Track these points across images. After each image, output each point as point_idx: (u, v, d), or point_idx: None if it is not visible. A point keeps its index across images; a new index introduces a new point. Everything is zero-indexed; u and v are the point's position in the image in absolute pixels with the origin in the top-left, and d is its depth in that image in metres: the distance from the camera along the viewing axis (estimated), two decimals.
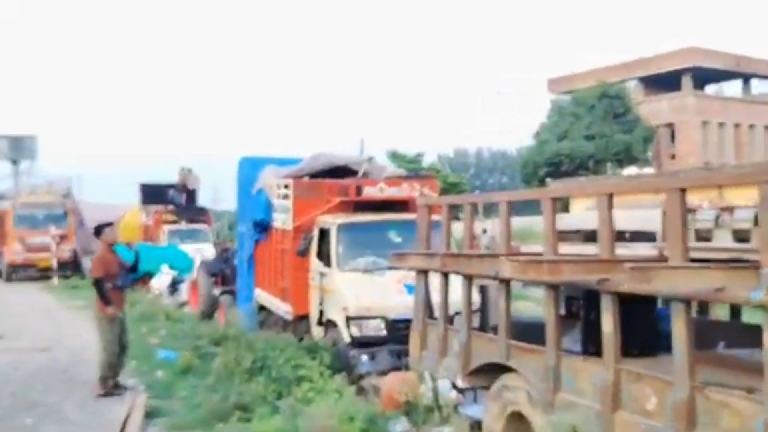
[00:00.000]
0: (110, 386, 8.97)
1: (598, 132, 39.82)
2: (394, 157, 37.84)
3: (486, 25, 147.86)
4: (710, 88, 50.79)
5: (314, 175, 11.42)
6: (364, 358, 8.98)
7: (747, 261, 4.30)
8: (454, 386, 7.12)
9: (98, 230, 9.73)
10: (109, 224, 10.09)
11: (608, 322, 4.98)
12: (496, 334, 6.27)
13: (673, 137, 46.66)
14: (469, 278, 6.42)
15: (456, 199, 7.60)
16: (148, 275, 20.73)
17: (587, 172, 36.15)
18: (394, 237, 10.16)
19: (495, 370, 6.18)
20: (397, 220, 10.44)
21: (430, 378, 7.66)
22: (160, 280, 20.35)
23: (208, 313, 15.40)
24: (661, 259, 5.09)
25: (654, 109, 45.46)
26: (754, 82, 52.14)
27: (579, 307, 6.31)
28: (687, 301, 4.40)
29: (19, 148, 38.74)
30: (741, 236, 9.76)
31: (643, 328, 5.94)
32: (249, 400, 7.56)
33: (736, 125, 48.32)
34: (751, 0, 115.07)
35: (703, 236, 7.84)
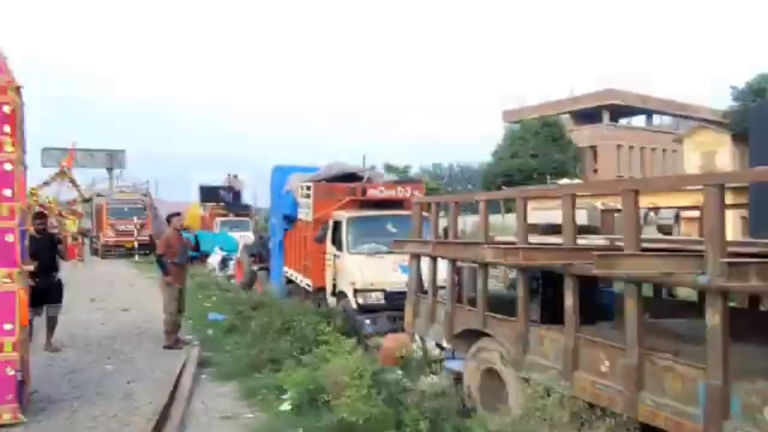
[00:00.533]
0: (172, 340, 8.58)
1: (540, 152, 39.85)
2: (389, 168, 37.65)
3: (450, 69, 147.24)
4: (622, 120, 50.64)
5: (329, 180, 11.13)
6: (368, 321, 8.70)
7: (690, 251, 3.86)
8: (439, 346, 6.81)
9: (169, 218, 9.55)
10: (177, 214, 9.70)
11: (570, 298, 4.54)
12: (471, 306, 5.86)
13: (595, 157, 46.60)
14: (453, 261, 6.01)
15: (443, 198, 7.20)
16: (205, 255, 20.62)
17: (533, 182, 36.15)
18: (391, 228, 9.82)
19: (473, 335, 5.78)
20: (393, 215, 10.18)
21: (420, 339, 7.35)
22: (214, 259, 20.18)
23: (249, 285, 15.02)
24: (613, 248, 4.65)
25: (581, 135, 45.43)
26: (655, 116, 52.27)
27: (538, 285, 5.87)
28: (639, 283, 3.96)
29: (113, 160, 38.56)
30: (665, 231, 9.47)
31: (588, 302, 5.42)
32: (278, 355, 7.11)
33: (641, 148, 48.31)
34: (654, 50, 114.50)
35: (666, 232, 7.56)
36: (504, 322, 5.33)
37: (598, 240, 5.00)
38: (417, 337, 7.43)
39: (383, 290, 8.89)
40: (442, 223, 7.50)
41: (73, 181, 14.73)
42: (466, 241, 5.78)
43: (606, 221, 8.08)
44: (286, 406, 5.54)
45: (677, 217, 9.29)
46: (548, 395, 3.70)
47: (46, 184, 13.42)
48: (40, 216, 8.25)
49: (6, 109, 5.08)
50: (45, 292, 7.71)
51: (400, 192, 10.77)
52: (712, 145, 32.42)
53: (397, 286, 8.48)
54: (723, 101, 35.83)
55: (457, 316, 5.99)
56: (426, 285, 6.89)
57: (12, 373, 5.17)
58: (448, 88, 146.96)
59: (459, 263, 6.11)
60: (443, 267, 6.25)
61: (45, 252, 7.67)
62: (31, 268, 5.79)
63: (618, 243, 4.73)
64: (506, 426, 3.79)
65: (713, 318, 3.44)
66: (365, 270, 9.07)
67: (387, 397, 4.88)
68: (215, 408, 5.81)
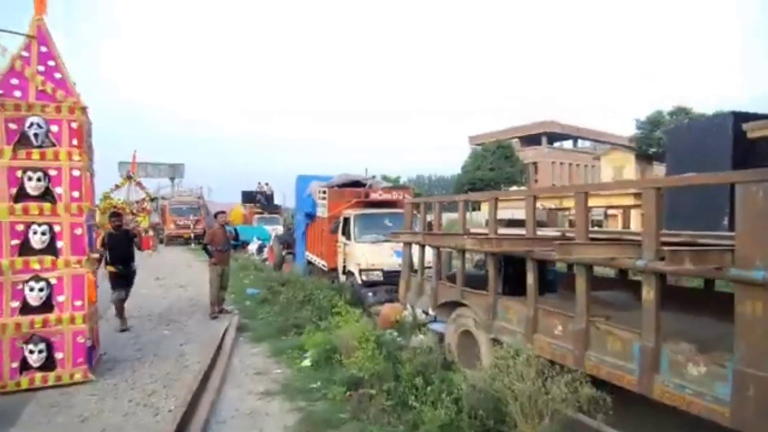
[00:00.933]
0: (216, 311, 8.22)
1: (496, 167, 39.65)
2: (385, 177, 37.32)
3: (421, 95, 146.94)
4: (556, 144, 50.56)
5: (340, 186, 10.91)
6: (370, 293, 8.47)
7: (628, 240, 3.63)
8: (425, 313, 6.53)
9: (216, 215, 9.29)
10: (223, 212, 9.37)
11: (531, 277, 4.30)
12: (448, 282, 5.64)
13: (536, 171, 46.51)
14: (437, 248, 5.76)
15: (429, 199, 6.93)
16: (246, 243, 20.40)
17: (490, 189, 36.04)
18: (387, 223, 9.56)
19: (453, 305, 5.53)
20: (389, 212, 9.94)
21: (411, 308, 7.09)
22: (252, 246, 19.71)
23: (279, 266, 14.61)
24: (565, 239, 4.41)
25: (526, 155, 45.29)
26: (579, 141, 52.19)
27: (501, 265, 5.66)
28: (589, 266, 3.72)
29: (175, 171, 37.90)
30: (596, 225, 9.33)
31: (539, 278, 5.22)
32: (301, 321, 6.79)
33: (570, 164, 48.30)
34: (580, 89, 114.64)
35: (598, 225, 7.39)
36: (477, 295, 5.10)
37: (550, 231, 4.75)
38: (408, 306, 7.20)
39: (382, 270, 8.64)
40: (427, 218, 7.49)
41: (139, 183, 14.16)
42: (448, 232, 5.52)
43: (551, 217, 7.89)
44: (306, 363, 5.27)
45: (605, 214, 9.16)
46: (517, 355, 3.42)
47: (117, 187, 12.90)
48: (116, 215, 7.74)
49: (74, 125, 4.83)
50: (126, 277, 7.38)
51: (395, 195, 10.58)
52: (621, 162, 32.46)
53: (393, 267, 8.35)
54: (629, 129, 35.90)
55: (440, 290, 5.75)
56: (416, 266, 6.74)
57: (82, 341, 4.91)
58: (429, 122, 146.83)
59: (441, 249, 5.85)
60: (429, 252, 6.03)
61: (123, 245, 7.30)
62: (96, 256, 5.45)
63: (568, 234, 4.53)
64: (484, 380, 3.51)
65: (648, 294, 3.21)
66: (368, 254, 8.83)
67: (387, 354, 4.63)
68: (250, 365, 5.51)
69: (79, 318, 4.84)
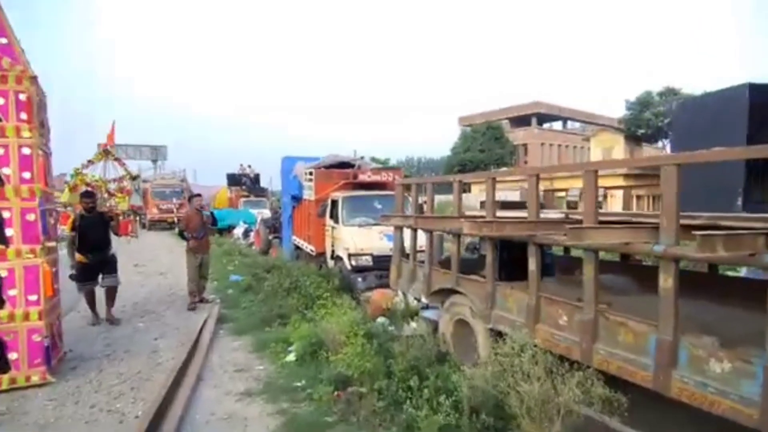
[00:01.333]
0: (195, 300, 7.72)
1: (486, 148, 39.24)
2: (374, 159, 36.73)
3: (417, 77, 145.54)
4: (546, 125, 50.24)
5: (327, 167, 10.45)
6: (359, 279, 8.13)
7: (644, 223, 3.30)
8: (416, 300, 6.20)
9: (189, 199, 8.76)
10: (197, 195, 8.78)
11: (533, 263, 3.97)
12: (445, 269, 5.25)
13: (525, 152, 46.23)
14: (430, 232, 5.40)
15: (422, 179, 6.56)
16: (232, 227, 19.98)
17: (480, 170, 35.76)
18: (377, 205, 9.24)
19: (447, 292, 5.20)
20: (378, 195, 9.59)
21: (402, 294, 6.78)
22: (238, 230, 19.26)
23: (265, 250, 14.22)
24: (570, 221, 4.08)
25: (516, 136, 44.90)
26: (569, 122, 51.93)
27: (496, 250, 5.36)
28: (596, 251, 3.39)
29: (157, 153, 36.89)
30: (571, 206, 8.97)
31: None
32: (286, 311, 6.40)
33: (559, 145, 48.11)
34: (570, 72, 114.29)
35: (573, 206, 7.02)
36: (474, 283, 4.77)
37: (552, 213, 4.40)
38: (399, 292, 6.90)
39: (371, 254, 8.30)
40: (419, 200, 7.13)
41: (118, 160, 12.50)
42: (443, 215, 5.16)
43: (547, 199, 7.55)
44: (291, 358, 4.89)
45: (605, 195, 8.87)
46: (522, 351, 3.10)
47: (90, 162, 11.29)
48: (89, 195, 6.84)
49: (22, 97, 4.26)
50: (99, 266, 6.59)
51: (384, 177, 10.15)
52: (610, 143, 32.33)
53: (382, 251, 8.08)
54: (618, 110, 35.68)
55: (434, 277, 5.41)
56: (407, 251, 6.41)
57: (39, 339, 4.42)
58: (420, 102, 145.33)
59: (434, 233, 5.50)
60: (421, 236, 5.68)
61: (96, 229, 6.45)
62: (53, 244, 4.90)
63: (572, 216, 4.20)
64: (486, 380, 3.19)
65: (666, 281, 2.88)
66: (357, 238, 8.48)
67: (378, 348, 4.28)
68: (230, 361, 5.09)
69: (34, 314, 4.36)
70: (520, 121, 47.07)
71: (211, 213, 8.64)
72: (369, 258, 8.33)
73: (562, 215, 4.16)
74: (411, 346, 4.43)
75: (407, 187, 6.65)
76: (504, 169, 32.31)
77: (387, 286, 7.54)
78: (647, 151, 31.38)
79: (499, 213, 4.97)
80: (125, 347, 5.63)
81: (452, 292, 5.09)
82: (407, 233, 6.08)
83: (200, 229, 7.97)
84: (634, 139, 31.09)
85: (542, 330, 3.81)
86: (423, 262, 5.59)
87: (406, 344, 4.54)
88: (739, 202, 3.96)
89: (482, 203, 6.06)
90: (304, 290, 7.00)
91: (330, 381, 3.84)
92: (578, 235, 3.03)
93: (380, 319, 6.74)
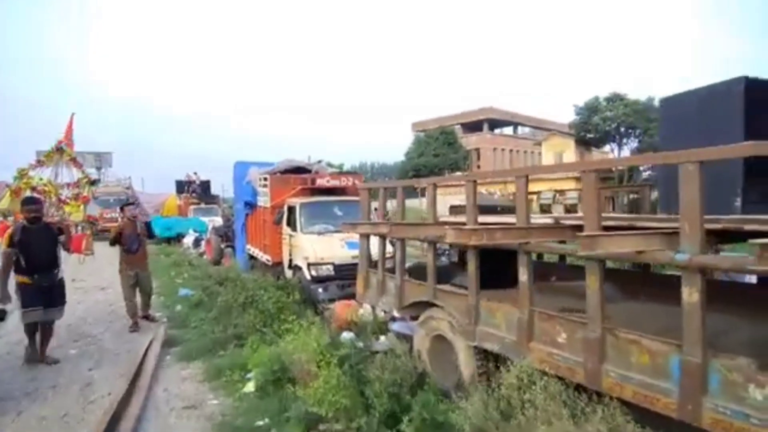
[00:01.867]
0: (136, 321, 6.75)
1: (440, 153, 39.49)
2: (329, 164, 35.93)
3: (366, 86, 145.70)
4: (497, 130, 51.32)
5: (282, 172, 9.82)
6: (320, 289, 7.50)
7: (662, 228, 2.91)
8: (383, 311, 5.68)
9: (122, 207, 7.55)
10: (130, 204, 7.77)
11: (524, 273, 3.50)
12: (417, 279, 4.75)
13: (478, 157, 47.00)
14: (402, 240, 4.86)
15: (390, 183, 6.04)
16: (181, 236, 18.83)
17: (435, 175, 35.93)
18: (337, 211, 8.65)
19: (422, 305, 4.66)
20: (338, 200, 9.02)
21: (370, 307, 6.22)
22: (188, 239, 18.03)
23: (217, 261, 13.23)
24: (561, 226, 3.67)
25: (469, 141, 45.55)
26: (520, 128, 53.31)
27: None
28: (602, 261, 2.98)
29: (101, 160, 34.35)
30: (570, 209, 8.81)
31: (509, 269, 4.58)
32: (242, 330, 5.64)
33: (511, 150, 49.27)
34: (520, 77, 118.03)
35: (545, 210, 6.76)
36: (454, 295, 4.28)
37: (542, 219, 3.98)
38: (366, 305, 6.33)
39: (333, 263, 7.68)
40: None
41: (74, 160, 10.01)
42: (419, 222, 4.64)
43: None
44: (250, 387, 4.18)
45: (554, 198, 8.64)
46: (532, 383, 2.61)
47: (39, 163, 8.90)
48: (32, 202, 5.48)
49: None
50: (46, 291, 5.23)
51: (344, 181, 9.56)
52: (561, 147, 33.34)
53: (345, 260, 7.49)
54: (567, 116, 36.85)
55: (407, 288, 4.88)
56: (375, 259, 5.86)
57: None
58: (370, 106, 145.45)
59: (405, 241, 4.98)
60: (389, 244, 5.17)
61: (42, 244, 5.20)
62: None
63: (564, 222, 3.78)
64: (491, 418, 2.67)
65: (691, 295, 2.49)
66: (317, 247, 7.84)
67: (350, 370, 3.67)
68: (178, 395, 4.28)
69: None
70: (473, 126, 47.83)
71: (147, 223, 7.66)
72: (330, 267, 7.73)
73: (551, 220, 3.74)
74: (386, 369, 3.88)
75: (372, 192, 6.11)
76: (458, 174, 32.59)
77: (351, 296, 7.06)
78: (596, 154, 32.55)
79: (449, 219, 4.54)
80: (52, 381, 4.70)
81: (429, 305, 4.58)
82: (374, 241, 5.54)
83: (133, 241, 6.98)
84: (583, 143, 32.17)
85: (538, 349, 3.37)
86: (393, 270, 5.07)
87: (381, 366, 3.98)
88: (738, 202, 3.70)
89: (452, 208, 5.64)
90: (262, 305, 6.25)
91: (299, 419, 3.20)
92: (591, 244, 2.58)
93: (345, 334, 6.21)
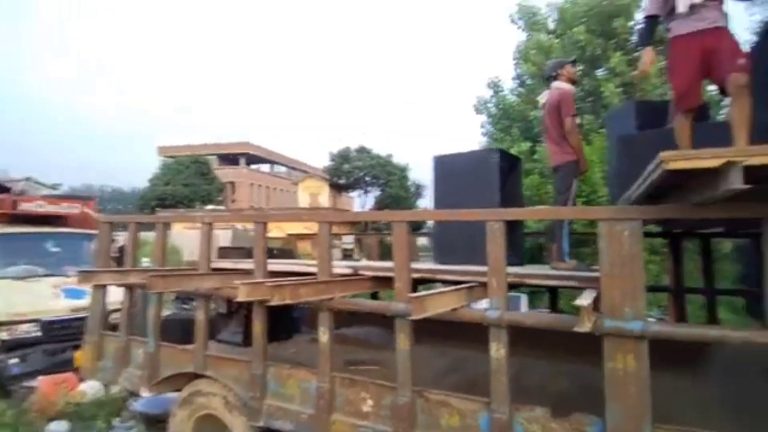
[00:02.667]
0: None
1: (191, 182, 36.38)
2: (36, 182, 28.25)
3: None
4: (254, 166, 50.91)
5: None
6: (14, 360, 5.46)
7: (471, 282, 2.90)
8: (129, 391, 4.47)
9: None
10: None
11: (324, 335, 3.07)
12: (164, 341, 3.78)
13: (234, 190, 45.39)
14: (159, 294, 3.75)
15: (147, 218, 4.76)
16: None
17: (183, 206, 32.83)
18: (52, 248, 6.75)
19: (185, 377, 3.69)
20: (54, 232, 6.97)
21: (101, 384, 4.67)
22: None
23: None
24: (357, 276, 3.39)
25: (224, 173, 43.53)
26: (276, 166, 54.26)
27: (237, 306, 4.37)
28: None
29: None
30: (347, 254, 8.73)
31: (286, 318, 4.85)
32: None
33: (267, 187, 49.51)
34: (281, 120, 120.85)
35: (348, 254, 6.50)
36: (231, 363, 3.48)
37: (342, 269, 3.61)
38: (96, 382, 4.69)
39: (39, 320, 5.67)
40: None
41: None
42: (190, 270, 3.61)
43: (294, 245, 6.84)
44: None
45: (359, 242, 8.53)
46: None
47: None
48: None
49: None
50: None
51: (67, 208, 7.37)
52: (317, 189, 35.37)
53: (60, 315, 5.74)
54: (322, 160, 39.66)
55: (165, 356, 3.78)
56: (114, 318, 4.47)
57: None
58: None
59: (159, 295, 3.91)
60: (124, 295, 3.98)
61: None
62: None
63: (364, 270, 3.52)
64: None
65: (498, 351, 2.53)
66: (14, 297, 5.74)
67: None
68: None
69: None
70: (230, 159, 46.20)
71: None
72: (34, 326, 5.69)
73: (350, 269, 3.44)
74: None
75: (115, 226, 4.72)
76: (210, 207, 30.42)
77: (68, 368, 5.30)
78: (347, 199, 35.69)
79: (219, 263, 3.89)
80: None
81: (195, 376, 3.62)
82: (115, 292, 4.20)
83: None
84: (337, 187, 34.87)
85: (340, 422, 2.93)
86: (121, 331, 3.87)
87: None
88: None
89: (222, 250, 4.83)
90: None
91: None
92: (422, 306, 2.34)
93: (55, 426, 4.51)
